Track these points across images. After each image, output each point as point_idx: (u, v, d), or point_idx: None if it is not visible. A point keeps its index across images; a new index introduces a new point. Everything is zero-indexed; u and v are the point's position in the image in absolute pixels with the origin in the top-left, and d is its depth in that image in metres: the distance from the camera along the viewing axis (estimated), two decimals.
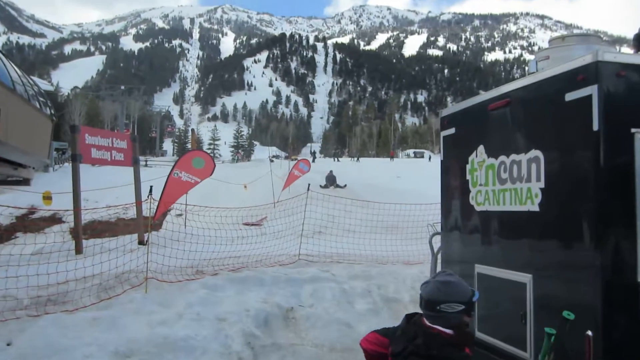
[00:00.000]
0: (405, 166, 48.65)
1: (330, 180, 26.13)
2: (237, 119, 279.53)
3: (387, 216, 12.76)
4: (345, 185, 25.60)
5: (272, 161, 48.45)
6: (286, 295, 7.20)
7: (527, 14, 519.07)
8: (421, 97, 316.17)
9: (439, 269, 5.66)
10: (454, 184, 5.05)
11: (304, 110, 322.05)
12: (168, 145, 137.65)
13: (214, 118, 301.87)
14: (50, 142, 11.35)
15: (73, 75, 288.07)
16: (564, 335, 3.34)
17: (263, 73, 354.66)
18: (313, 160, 51.68)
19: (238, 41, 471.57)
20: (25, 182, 11.32)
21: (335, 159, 63.04)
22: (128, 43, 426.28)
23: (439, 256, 5.72)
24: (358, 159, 67.44)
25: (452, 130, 5.14)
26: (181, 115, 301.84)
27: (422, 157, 73.27)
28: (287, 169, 28.85)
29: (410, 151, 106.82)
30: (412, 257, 10.21)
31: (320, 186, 23.48)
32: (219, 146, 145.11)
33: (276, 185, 22.00)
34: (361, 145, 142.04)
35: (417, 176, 31.77)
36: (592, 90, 3.39)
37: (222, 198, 21.03)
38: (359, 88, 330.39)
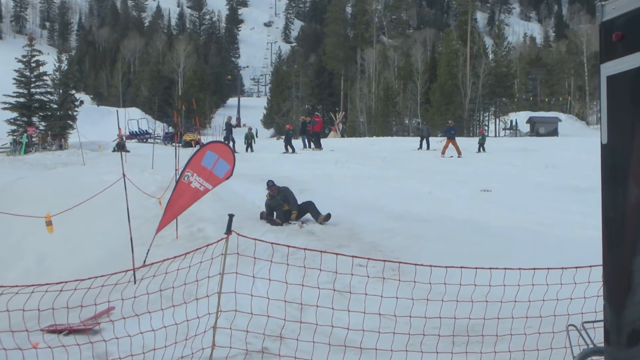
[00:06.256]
0: (501, 162, 20.19)
1: (286, 200, 9.74)
2: (28, 29, 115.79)
3: (467, 308, 4.54)
4: (329, 217, 9.40)
5: (124, 149, 21.44)
6: None
7: None
8: None
9: None
10: None
11: (217, 5, 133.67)
12: None
13: None
14: None
15: None
16: None
17: None
18: (248, 147, 25.93)
19: None
20: None
21: (301, 143, 25.54)
22: None
23: None
24: (341, 133, 26.05)
25: (635, 60, 1.58)
26: None
27: (556, 132, 40.43)
28: (172, 170, 10.83)
29: (518, 116, 47.75)
30: None
31: (265, 218, 9.74)
32: None
33: (141, 216, 9.88)
34: (381, 98, 60.69)
35: (536, 189, 13.73)
36: None
37: None
38: None
